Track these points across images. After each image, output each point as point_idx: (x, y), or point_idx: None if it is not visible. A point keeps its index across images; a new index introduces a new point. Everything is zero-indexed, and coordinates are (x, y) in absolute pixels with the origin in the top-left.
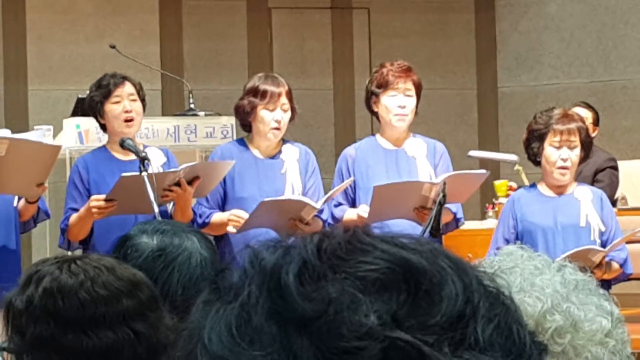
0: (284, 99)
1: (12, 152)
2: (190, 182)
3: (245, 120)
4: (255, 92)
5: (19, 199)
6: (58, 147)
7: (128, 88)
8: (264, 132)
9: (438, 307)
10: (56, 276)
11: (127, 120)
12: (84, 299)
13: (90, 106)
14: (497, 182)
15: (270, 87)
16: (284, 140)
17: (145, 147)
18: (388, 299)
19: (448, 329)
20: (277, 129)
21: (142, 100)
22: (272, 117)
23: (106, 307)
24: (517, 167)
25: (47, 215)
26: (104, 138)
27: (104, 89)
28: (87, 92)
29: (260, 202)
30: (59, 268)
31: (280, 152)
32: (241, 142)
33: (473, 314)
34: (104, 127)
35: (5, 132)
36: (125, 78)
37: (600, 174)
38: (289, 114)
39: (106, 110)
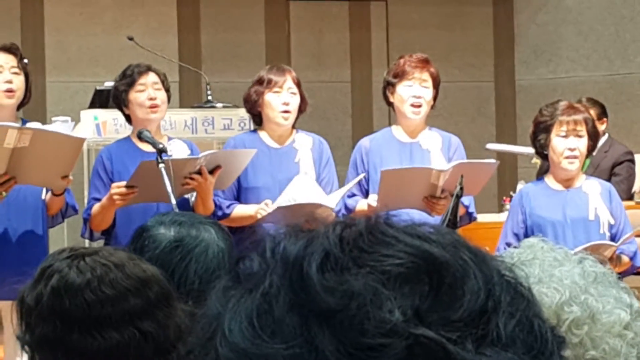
0: (290, 83)
1: (36, 143)
2: (211, 172)
3: (254, 110)
4: (260, 81)
5: (47, 191)
6: (82, 139)
7: (152, 77)
8: (274, 118)
9: (460, 302)
10: (64, 274)
11: (151, 107)
12: (90, 299)
13: (115, 96)
14: None
15: (275, 76)
16: (296, 130)
17: (170, 139)
18: (411, 293)
19: (470, 324)
20: (287, 111)
21: (167, 91)
22: (280, 101)
23: (112, 307)
24: (534, 159)
25: (75, 211)
26: (122, 130)
27: (128, 78)
28: (107, 83)
29: (277, 208)
30: (69, 265)
31: (293, 141)
32: (254, 132)
33: (495, 309)
34: (128, 119)
35: (36, 125)
36: (149, 68)
37: (618, 167)
38: (297, 98)
39: (130, 98)
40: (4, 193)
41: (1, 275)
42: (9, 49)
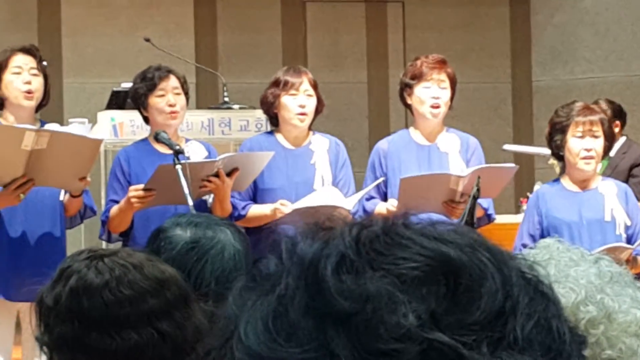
0: (306, 85)
1: (54, 145)
2: (228, 174)
3: (271, 112)
4: (277, 83)
5: (65, 193)
6: (99, 141)
7: (173, 82)
8: (289, 119)
9: (477, 304)
10: (83, 275)
11: (171, 113)
12: (108, 300)
13: (134, 98)
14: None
15: (291, 77)
16: (313, 131)
17: (187, 140)
18: (426, 296)
19: (487, 327)
20: (303, 114)
21: (186, 94)
22: (296, 103)
23: (130, 308)
24: (551, 161)
25: (93, 212)
26: (138, 131)
27: (148, 82)
28: (124, 84)
29: (293, 210)
30: (88, 266)
31: (309, 142)
32: (270, 134)
33: (513, 310)
34: (146, 120)
35: (54, 126)
36: (170, 71)
37: (636, 169)
38: (313, 100)
39: (150, 103)
40: (22, 195)
41: (20, 277)
42: (29, 50)
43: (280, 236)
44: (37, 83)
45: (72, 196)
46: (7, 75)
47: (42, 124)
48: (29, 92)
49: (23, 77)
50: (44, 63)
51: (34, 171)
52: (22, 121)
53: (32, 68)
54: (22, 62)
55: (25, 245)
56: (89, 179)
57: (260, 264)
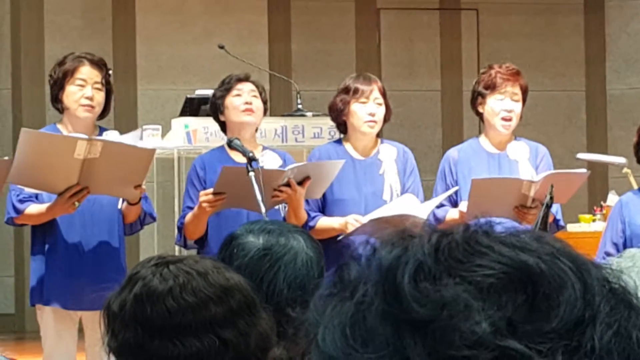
0: (376, 94)
1: (106, 154)
2: (300, 183)
3: (340, 119)
4: (347, 90)
5: (123, 201)
6: (152, 151)
7: (249, 85)
8: (359, 127)
9: (555, 312)
10: (148, 281)
11: (246, 110)
12: (171, 307)
13: (212, 104)
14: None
15: (361, 85)
16: (381, 140)
17: (264, 148)
18: (504, 304)
19: (564, 335)
20: (372, 121)
21: (265, 103)
22: (366, 111)
23: (193, 315)
24: (625, 169)
25: (153, 218)
26: (212, 138)
27: (226, 85)
28: (198, 91)
29: (369, 220)
30: (153, 272)
31: (377, 152)
32: (338, 143)
33: (592, 319)
34: (223, 127)
35: (114, 134)
36: (248, 77)
37: None
38: (382, 109)
39: (226, 104)
40: (77, 203)
41: (77, 286)
42: (97, 63)
43: (360, 244)
44: (100, 97)
45: (129, 204)
46: (71, 86)
47: (101, 131)
48: (89, 106)
49: (85, 91)
50: (110, 72)
51: (88, 180)
52: (79, 129)
53: (96, 82)
54: (87, 75)
55: (82, 254)
56: (144, 186)
57: (341, 271)
